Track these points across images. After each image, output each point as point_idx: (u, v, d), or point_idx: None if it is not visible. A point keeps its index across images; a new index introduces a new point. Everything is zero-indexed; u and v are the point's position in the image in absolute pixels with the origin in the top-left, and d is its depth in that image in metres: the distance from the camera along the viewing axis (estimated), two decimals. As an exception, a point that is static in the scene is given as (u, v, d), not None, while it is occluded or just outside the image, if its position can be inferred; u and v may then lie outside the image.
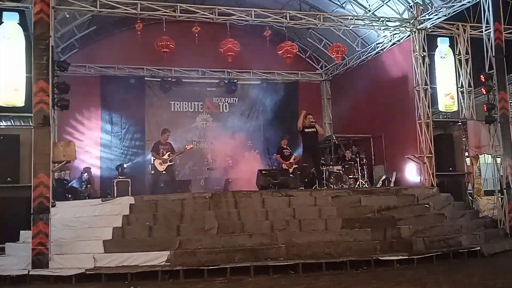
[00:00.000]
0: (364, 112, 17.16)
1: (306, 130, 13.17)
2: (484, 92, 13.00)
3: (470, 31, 14.81)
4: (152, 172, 14.18)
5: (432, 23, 14.25)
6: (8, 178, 11.91)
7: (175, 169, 15.00)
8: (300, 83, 19.89)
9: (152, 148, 13.69)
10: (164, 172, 13.38)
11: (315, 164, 13.61)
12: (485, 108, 12.91)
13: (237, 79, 18.91)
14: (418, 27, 14.28)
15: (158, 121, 18.11)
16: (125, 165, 15.45)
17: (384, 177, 15.89)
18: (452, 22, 14.75)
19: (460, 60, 15.01)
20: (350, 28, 15.25)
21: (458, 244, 10.52)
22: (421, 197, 12.19)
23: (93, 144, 16.98)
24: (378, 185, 15.51)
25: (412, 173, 14.86)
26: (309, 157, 13.59)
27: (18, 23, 11.79)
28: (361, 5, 15.52)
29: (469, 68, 14.96)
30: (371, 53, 17.06)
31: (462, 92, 14.97)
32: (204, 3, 13.68)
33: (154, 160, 13.54)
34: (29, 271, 8.96)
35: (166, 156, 13.31)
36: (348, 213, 11.01)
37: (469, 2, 13.14)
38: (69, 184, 14.62)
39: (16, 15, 11.76)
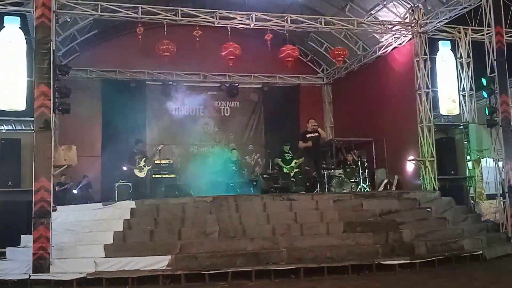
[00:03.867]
0: (365, 115, 17.14)
1: (308, 135, 13.09)
2: (486, 96, 12.96)
3: (472, 35, 14.84)
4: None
5: (434, 27, 14.26)
6: (10, 182, 11.94)
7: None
8: (301, 87, 19.90)
9: (127, 161, 13.92)
10: (143, 177, 13.79)
11: (316, 168, 13.57)
12: (486, 112, 12.87)
13: (238, 82, 18.90)
14: (419, 31, 14.29)
15: (159, 125, 18.17)
16: (125, 169, 15.41)
17: (385, 180, 15.86)
18: (453, 26, 14.76)
19: (461, 64, 15.02)
20: (351, 31, 15.25)
21: (460, 248, 10.48)
22: (423, 201, 12.15)
23: (94, 148, 16.97)
24: (380, 189, 15.48)
25: (413, 177, 14.84)
26: (310, 161, 13.55)
27: (19, 27, 11.82)
28: (362, 8, 15.52)
29: (470, 72, 14.97)
30: (372, 57, 17.06)
31: (464, 96, 14.98)
32: (205, 7, 13.69)
33: (133, 170, 13.75)
34: (30, 276, 8.93)
35: (142, 163, 13.63)
36: (349, 217, 10.97)
37: (470, 5, 13.15)
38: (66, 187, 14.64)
39: (17, 19, 11.80)
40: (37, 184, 9.43)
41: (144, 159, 13.80)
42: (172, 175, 15.32)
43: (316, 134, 13.04)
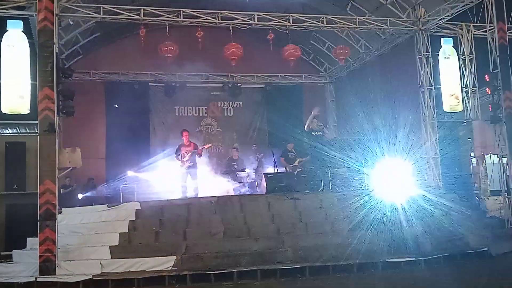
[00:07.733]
0: (368, 113, 17.09)
1: (313, 133, 13.10)
2: (489, 92, 12.94)
3: (474, 31, 14.80)
4: None
5: (436, 24, 14.24)
6: (15, 186, 12.01)
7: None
8: (304, 86, 19.90)
9: (175, 151, 13.20)
10: None
11: (321, 167, 13.51)
12: (490, 108, 12.86)
13: (241, 82, 18.91)
14: (421, 28, 14.27)
15: (163, 126, 18.18)
16: (130, 171, 15.45)
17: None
18: (455, 22, 14.73)
19: (464, 60, 14.99)
20: (354, 30, 15.24)
21: (466, 244, 10.48)
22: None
23: (98, 150, 17.02)
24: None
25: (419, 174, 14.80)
26: (315, 159, 13.52)
27: (22, 31, 11.85)
28: (363, 6, 15.50)
29: (473, 68, 14.94)
30: (374, 55, 17.03)
31: (467, 92, 14.94)
32: (207, 8, 13.70)
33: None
34: (36, 278, 9.00)
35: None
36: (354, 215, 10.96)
37: (472, 2, 13.13)
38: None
39: (20, 23, 11.82)
40: (42, 186, 9.48)
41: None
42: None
43: (320, 133, 13.05)
